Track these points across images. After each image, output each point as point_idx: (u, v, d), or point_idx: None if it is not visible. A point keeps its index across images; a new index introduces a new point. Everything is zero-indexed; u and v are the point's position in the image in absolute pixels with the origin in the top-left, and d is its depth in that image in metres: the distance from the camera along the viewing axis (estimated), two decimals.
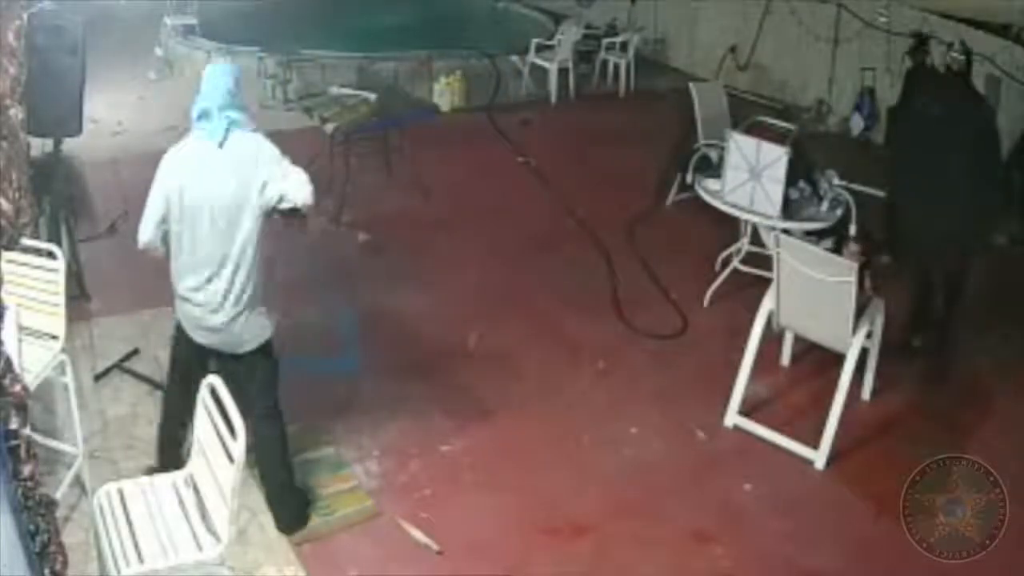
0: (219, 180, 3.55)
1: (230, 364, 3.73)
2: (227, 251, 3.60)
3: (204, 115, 3.59)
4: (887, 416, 4.93)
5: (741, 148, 5.58)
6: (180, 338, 3.87)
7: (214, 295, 3.65)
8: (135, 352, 5.07)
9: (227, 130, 3.57)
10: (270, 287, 3.83)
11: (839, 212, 5.47)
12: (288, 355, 5.12)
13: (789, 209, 5.52)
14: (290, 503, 3.99)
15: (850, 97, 9.16)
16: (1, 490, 2.27)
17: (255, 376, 3.85)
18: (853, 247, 4.65)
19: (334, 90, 7.75)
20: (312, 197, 3.63)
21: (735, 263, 5.99)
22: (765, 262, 5.25)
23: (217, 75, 3.65)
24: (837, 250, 4.73)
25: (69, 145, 5.27)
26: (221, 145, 3.57)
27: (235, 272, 3.63)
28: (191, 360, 3.86)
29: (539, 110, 9.61)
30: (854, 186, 5.50)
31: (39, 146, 5.29)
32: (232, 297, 3.66)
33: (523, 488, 4.28)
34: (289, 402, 4.76)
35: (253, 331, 3.76)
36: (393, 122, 7.37)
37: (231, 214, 3.57)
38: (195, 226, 3.58)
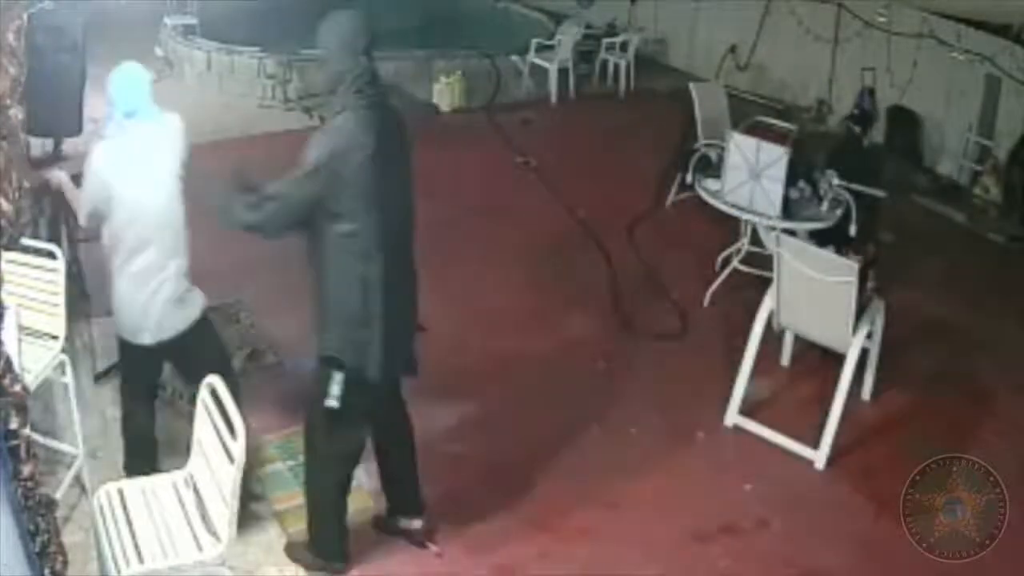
0: (159, 160, 3.73)
1: (180, 346, 3.82)
2: (174, 225, 3.78)
3: (133, 113, 3.72)
4: (887, 416, 4.93)
5: (741, 148, 5.58)
6: (128, 355, 3.89)
7: (173, 272, 3.78)
8: None
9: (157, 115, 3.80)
10: None
11: (839, 212, 5.47)
12: (289, 355, 5.17)
13: (789, 209, 5.51)
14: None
15: (850, 97, 9.15)
16: (1, 490, 2.27)
17: (208, 339, 3.95)
18: (853, 258, 4.64)
19: None
20: None
21: (735, 263, 5.99)
22: (765, 262, 5.25)
23: (140, 75, 3.78)
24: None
25: (69, 145, 5.27)
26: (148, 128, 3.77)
27: (180, 244, 3.82)
28: (143, 371, 3.93)
29: (539, 110, 9.60)
30: (854, 186, 5.49)
31: (39, 146, 5.30)
32: (183, 268, 3.84)
33: (522, 488, 4.28)
34: (289, 402, 4.78)
35: (196, 298, 3.90)
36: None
37: (171, 186, 3.76)
38: (147, 210, 3.70)
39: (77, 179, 3.87)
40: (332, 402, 3.39)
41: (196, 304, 3.88)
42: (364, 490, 4.20)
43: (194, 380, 3.44)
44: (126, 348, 3.86)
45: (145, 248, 3.70)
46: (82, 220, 3.84)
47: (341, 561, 3.76)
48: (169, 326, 3.78)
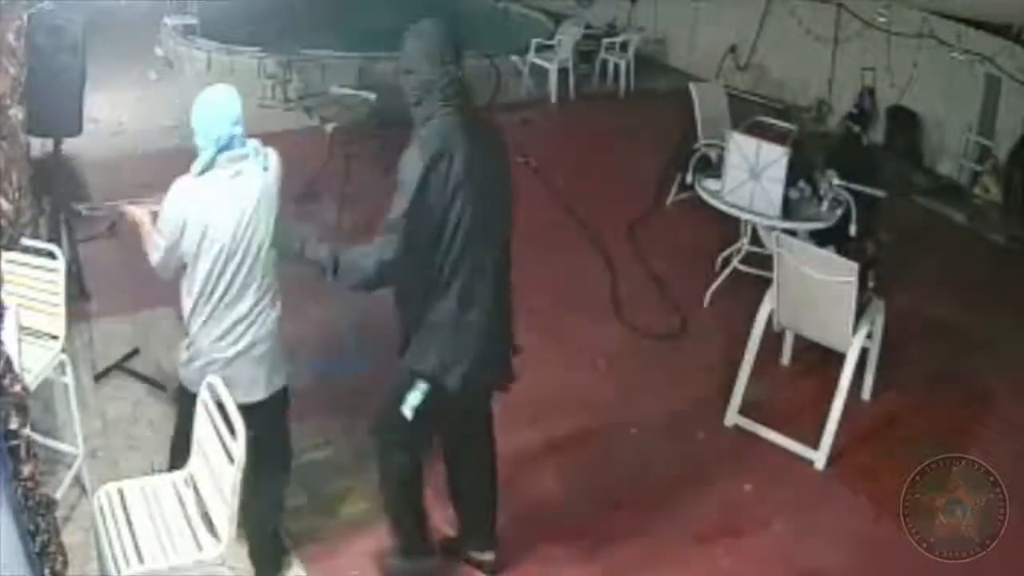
0: (254, 200, 3.33)
1: (251, 413, 3.28)
2: (270, 275, 3.42)
3: (224, 146, 3.29)
4: (887, 416, 4.93)
5: (741, 148, 5.58)
6: (191, 411, 3.38)
7: (266, 329, 3.45)
8: (135, 352, 5.07)
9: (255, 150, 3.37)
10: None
11: (839, 212, 5.47)
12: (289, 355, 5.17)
13: (789, 209, 5.51)
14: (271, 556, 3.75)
15: (850, 97, 9.15)
16: (1, 490, 2.27)
17: (282, 414, 3.63)
18: (853, 257, 4.64)
19: (334, 90, 7.75)
20: None
21: (735, 263, 5.99)
22: (765, 262, 5.25)
23: (230, 101, 3.34)
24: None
25: (69, 145, 5.26)
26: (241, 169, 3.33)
27: (275, 296, 3.48)
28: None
29: (539, 110, 9.60)
30: (854, 186, 5.50)
31: (39, 146, 5.29)
32: (276, 325, 3.48)
33: (523, 488, 4.27)
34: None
35: (284, 363, 3.57)
36: (393, 122, 7.36)
37: (268, 231, 3.37)
38: (240, 258, 3.32)
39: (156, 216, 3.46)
40: (407, 411, 3.32)
41: (282, 371, 3.56)
42: (357, 491, 4.19)
43: (254, 452, 3.09)
44: (191, 402, 3.38)
45: (236, 302, 3.35)
46: (155, 263, 3.39)
47: (430, 555, 3.74)
48: (250, 390, 3.42)
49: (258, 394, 3.45)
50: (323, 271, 3.34)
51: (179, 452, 3.52)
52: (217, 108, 3.30)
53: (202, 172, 3.27)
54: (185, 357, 3.47)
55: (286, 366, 3.59)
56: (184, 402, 3.52)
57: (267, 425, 3.43)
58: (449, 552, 3.85)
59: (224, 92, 3.33)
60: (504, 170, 3.45)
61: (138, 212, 3.51)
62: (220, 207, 3.26)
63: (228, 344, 3.38)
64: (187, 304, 3.41)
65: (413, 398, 3.32)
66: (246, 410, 3.14)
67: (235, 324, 3.38)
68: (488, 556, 3.81)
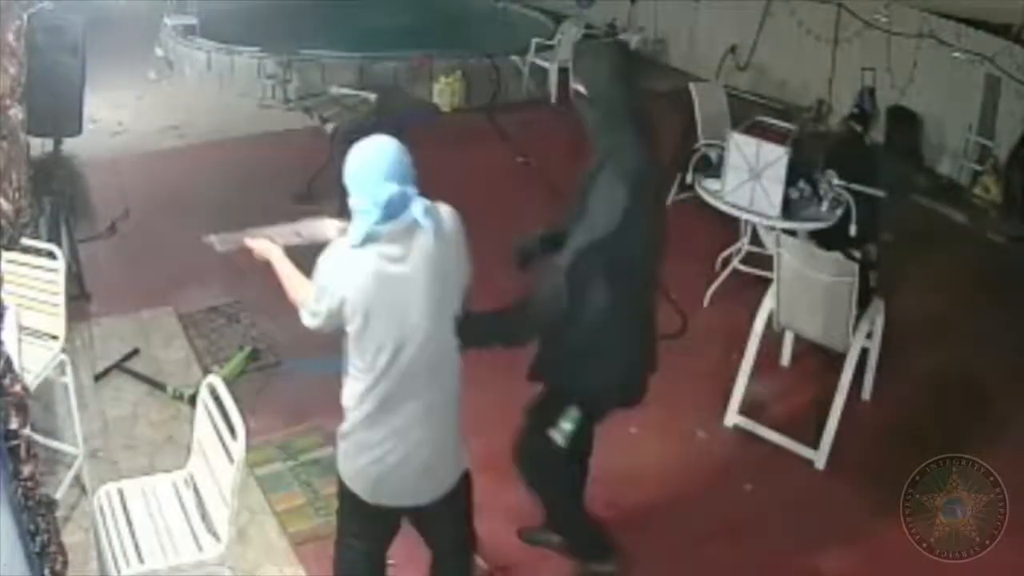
0: (431, 275, 2.77)
1: (427, 512, 3.00)
2: (450, 365, 2.91)
3: (389, 210, 2.69)
4: (887, 416, 4.93)
5: (741, 148, 5.58)
6: (354, 510, 3.04)
7: (443, 429, 2.93)
8: (135, 352, 5.07)
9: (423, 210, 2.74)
10: None
11: (839, 212, 5.47)
12: (289, 356, 5.17)
13: (789, 209, 5.51)
14: None
15: (850, 97, 9.15)
16: (1, 490, 2.27)
17: (463, 505, 3.14)
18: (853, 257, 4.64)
19: (334, 90, 7.75)
20: None
21: (735, 263, 5.99)
22: (765, 262, 5.25)
23: (386, 151, 2.78)
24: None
25: (69, 145, 5.27)
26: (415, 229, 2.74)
27: (455, 389, 2.95)
28: (372, 533, 3.13)
29: (539, 110, 9.60)
30: (854, 186, 5.49)
31: (39, 146, 5.29)
32: (456, 421, 2.98)
33: (521, 487, 4.27)
34: (289, 402, 4.79)
35: (462, 455, 3.04)
36: (393, 122, 7.36)
37: (449, 312, 2.86)
38: (413, 348, 2.77)
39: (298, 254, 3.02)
40: (558, 439, 3.25)
41: (461, 463, 3.03)
42: None
43: (433, 548, 2.92)
44: (353, 501, 3.00)
45: (407, 399, 2.80)
46: (307, 325, 2.87)
47: (611, 558, 3.74)
48: (422, 491, 2.94)
49: (425, 497, 2.95)
50: (512, 341, 3.21)
51: (355, 567, 3.17)
52: (368, 164, 2.72)
53: (361, 243, 2.69)
54: (343, 448, 2.97)
55: (463, 452, 3.05)
56: (345, 503, 3.07)
57: (445, 524, 3.07)
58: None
59: (376, 145, 2.77)
60: (662, 192, 3.37)
61: (263, 247, 3.06)
62: (382, 292, 2.70)
63: (394, 445, 2.84)
64: (348, 385, 2.91)
65: (565, 426, 3.23)
66: (416, 512, 2.83)
67: (405, 425, 2.83)
68: (608, 567, 3.78)
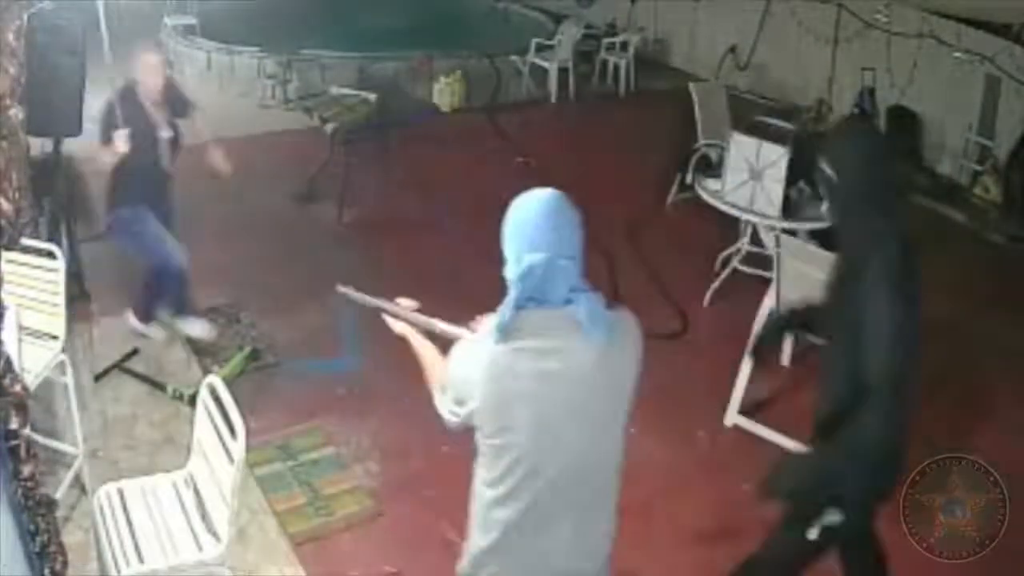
0: (593, 385, 2.30)
1: None
2: (607, 488, 2.41)
3: (541, 288, 2.25)
4: None
5: (741, 148, 5.58)
6: None
7: (593, 556, 2.40)
8: (135, 352, 5.07)
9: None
10: None
11: None
12: (289, 356, 5.17)
13: (789, 209, 5.52)
14: None
15: (850, 97, 9.16)
16: (1, 490, 2.27)
17: None
18: None
19: (334, 90, 7.76)
20: None
21: (735, 263, 5.99)
22: (765, 262, 5.25)
23: (550, 207, 2.36)
24: None
25: (69, 145, 5.27)
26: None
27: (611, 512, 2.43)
28: None
29: (539, 110, 9.61)
30: None
31: (39, 146, 5.29)
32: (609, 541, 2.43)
33: None
34: (289, 402, 4.79)
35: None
36: (393, 122, 7.37)
37: (614, 430, 2.42)
38: (542, 471, 2.23)
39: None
40: (813, 534, 3.12)
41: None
42: (364, 490, 4.21)
43: None
44: None
45: (552, 520, 2.26)
46: (445, 419, 2.36)
47: None
48: None
49: None
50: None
51: None
52: (523, 220, 2.28)
53: (502, 335, 2.18)
54: (466, 565, 2.38)
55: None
56: None
57: None
58: None
59: (540, 198, 2.35)
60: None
61: (402, 330, 2.73)
62: (520, 396, 2.18)
63: (526, 567, 2.33)
64: (478, 497, 2.32)
65: (826, 520, 3.10)
66: None
67: (540, 556, 2.30)
68: None
